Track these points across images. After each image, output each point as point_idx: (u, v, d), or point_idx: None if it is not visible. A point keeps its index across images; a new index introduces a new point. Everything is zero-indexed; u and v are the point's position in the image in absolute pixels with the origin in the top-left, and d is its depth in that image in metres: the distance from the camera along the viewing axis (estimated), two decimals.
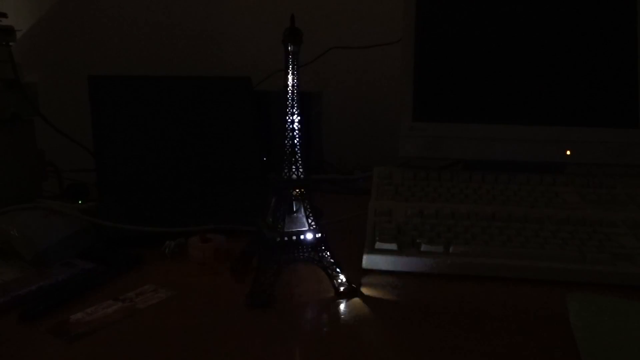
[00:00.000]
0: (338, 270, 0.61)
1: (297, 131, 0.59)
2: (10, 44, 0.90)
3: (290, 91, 0.59)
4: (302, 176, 0.60)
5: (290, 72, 0.58)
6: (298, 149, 0.60)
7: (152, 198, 0.85)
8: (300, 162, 0.60)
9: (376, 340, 0.51)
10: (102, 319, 0.54)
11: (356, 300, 0.59)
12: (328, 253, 0.61)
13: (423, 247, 0.67)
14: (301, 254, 0.60)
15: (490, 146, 0.88)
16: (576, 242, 0.68)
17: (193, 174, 0.91)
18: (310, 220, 0.60)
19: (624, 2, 0.86)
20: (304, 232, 0.60)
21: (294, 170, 0.60)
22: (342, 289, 0.60)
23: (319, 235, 0.60)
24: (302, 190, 0.60)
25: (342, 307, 0.58)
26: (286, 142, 0.59)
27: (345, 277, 0.61)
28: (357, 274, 0.65)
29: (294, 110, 0.59)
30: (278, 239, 0.59)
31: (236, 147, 0.96)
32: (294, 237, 0.60)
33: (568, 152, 0.87)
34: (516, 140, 0.87)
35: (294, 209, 0.61)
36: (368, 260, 0.67)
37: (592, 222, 0.73)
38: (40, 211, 0.74)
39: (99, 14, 1.39)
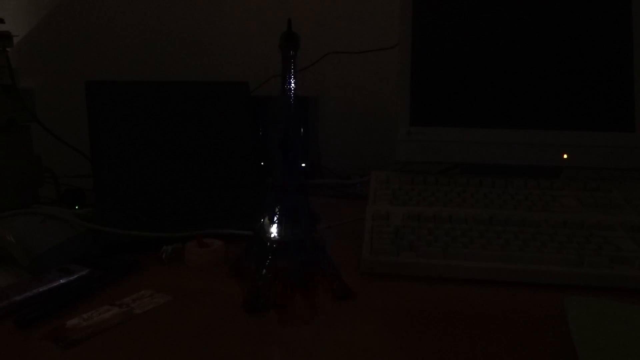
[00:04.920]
0: (336, 274, 0.61)
1: (294, 136, 0.59)
2: (7, 49, 0.91)
3: (287, 96, 0.59)
4: (299, 181, 0.60)
5: (288, 76, 0.58)
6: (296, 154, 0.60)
7: (149, 203, 0.85)
8: (297, 166, 0.60)
9: (374, 344, 0.51)
10: (99, 324, 0.54)
11: (354, 304, 0.59)
12: (326, 257, 0.61)
13: (420, 251, 0.67)
14: (299, 258, 0.60)
15: (487, 150, 0.88)
16: (574, 245, 0.68)
17: (190, 179, 0.91)
18: (307, 225, 0.60)
19: (620, 7, 0.87)
20: (301, 236, 0.60)
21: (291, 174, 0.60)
22: (339, 292, 0.60)
23: (317, 239, 0.60)
24: (300, 194, 0.60)
25: (339, 310, 0.58)
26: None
27: (343, 280, 0.61)
28: (354, 278, 0.65)
29: (292, 114, 0.59)
30: (275, 243, 0.59)
31: (233, 152, 0.95)
32: (292, 242, 0.59)
33: (565, 156, 0.87)
34: (513, 144, 0.88)
35: (292, 214, 0.61)
36: (365, 264, 0.67)
37: (590, 225, 0.73)
38: (37, 217, 0.73)
39: (96, 20, 1.39)
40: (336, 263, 0.61)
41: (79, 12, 1.39)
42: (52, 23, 1.40)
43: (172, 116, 0.94)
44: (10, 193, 0.90)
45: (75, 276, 0.64)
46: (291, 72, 0.58)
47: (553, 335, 0.52)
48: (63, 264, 0.67)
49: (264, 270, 0.58)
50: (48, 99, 1.13)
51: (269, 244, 0.59)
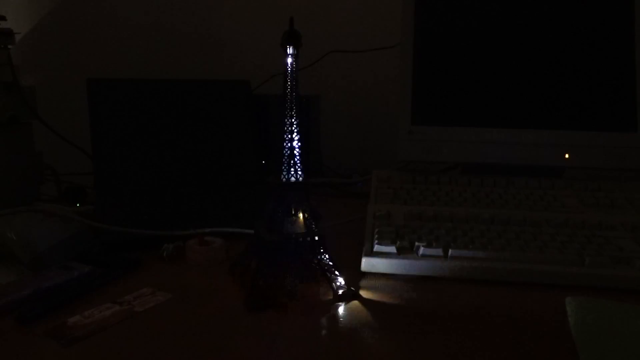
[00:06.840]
0: (337, 273, 0.61)
1: (295, 134, 0.59)
2: (9, 46, 0.91)
3: (289, 94, 0.59)
4: (300, 179, 0.60)
5: (289, 75, 0.58)
6: (297, 152, 0.60)
7: (150, 201, 0.85)
8: (299, 165, 0.60)
9: (375, 344, 0.51)
10: (100, 322, 0.54)
11: (355, 303, 0.59)
12: (327, 256, 0.61)
13: (422, 251, 0.67)
14: (300, 256, 0.60)
15: (488, 150, 0.88)
16: (575, 245, 0.68)
17: (191, 177, 0.91)
18: (309, 223, 0.60)
19: (622, 7, 0.87)
20: (302, 235, 0.60)
21: (292, 173, 0.60)
22: (340, 292, 0.60)
23: (318, 238, 0.60)
24: (301, 193, 0.60)
25: (340, 310, 0.58)
26: (285, 145, 0.59)
27: (344, 280, 0.61)
28: (355, 277, 0.65)
29: (293, 113, 0.59)
30: (276, 242, 0.59)
31: (235, 150, 0.95)
32: (293, 240, 0.59)
33: (567, 156, 0.87)
34: (515, 144, 0.88)
35: (293, 212, 0.60)
36: (367, 263, 0.67)
37: (591, 225, 0.73)
38: (38, 214, 0.73)
39: (98, 17, 1.39)
40: (337, 262, 0.61)
41: (81, 10, 1.39)
42: (54, 20, 1.39)
43: (174, 114, 0.94)
44: (12, 190, 0.90)
45: (77, 274, 0.64)
46: (293, 70, 0.58)
47: (554, 335, 0.52)
48: (64, 262, 0.67)
49: (265, 269, 0.58)
50: (49, 97, 1.13)
51: (270, 242, 0.59)
